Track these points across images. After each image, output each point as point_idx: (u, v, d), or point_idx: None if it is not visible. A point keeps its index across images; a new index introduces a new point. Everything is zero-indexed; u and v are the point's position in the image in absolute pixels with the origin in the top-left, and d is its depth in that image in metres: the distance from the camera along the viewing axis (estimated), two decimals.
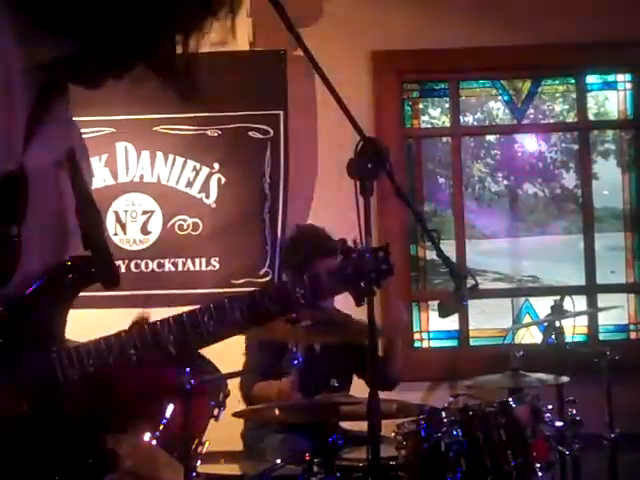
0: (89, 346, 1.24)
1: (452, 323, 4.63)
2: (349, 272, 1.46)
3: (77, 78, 1.23)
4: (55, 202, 1.25)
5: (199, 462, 2.81)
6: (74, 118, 4.46)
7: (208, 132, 4.48)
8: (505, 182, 4.98)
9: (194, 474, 2.73)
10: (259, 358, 3.59)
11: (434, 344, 4.75)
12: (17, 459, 1.14)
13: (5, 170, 1.14)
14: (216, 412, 2.89)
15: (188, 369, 2.64)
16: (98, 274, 1.26)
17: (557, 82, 4.89)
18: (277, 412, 3.18)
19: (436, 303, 4.70)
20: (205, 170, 4.49)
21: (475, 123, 4.96)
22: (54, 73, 1.19)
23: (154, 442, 2.74)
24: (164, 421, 2.73)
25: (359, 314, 3.22)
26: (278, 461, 2.91)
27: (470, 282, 2.10)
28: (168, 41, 1.19)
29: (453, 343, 4.72)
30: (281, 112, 4.49)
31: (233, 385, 3.04)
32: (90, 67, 1.20)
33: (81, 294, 1.35)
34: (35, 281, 1.19)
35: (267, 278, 4.31)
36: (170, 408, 2.73)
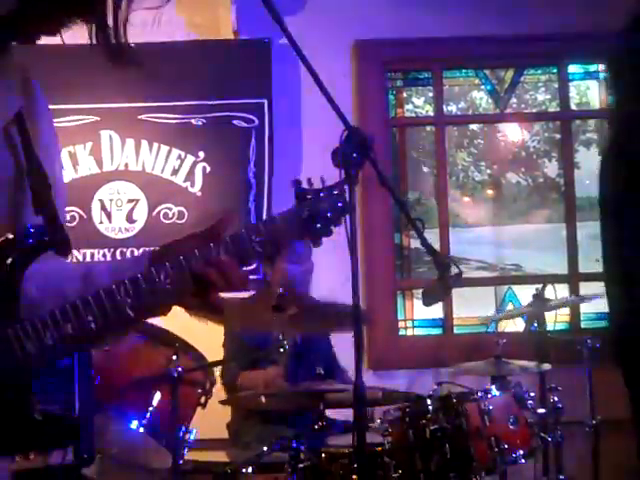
0: (45, 317, 1.19)
1: (436, 311, 4.66)
2: (305, 215, 1.38)
3: (15, 34, 1.22)
4: (8, 167, 1.24)
5: (186, 449, 2.82)
6: (59, 106, 4.41)
7: (192, 121, 4.48)
8: (488, 171, 5.02)
9: (181, 461, 2.74)
10: (238, 348, 3.60)
11: (418, 332, 4.78)
12: None
13: None
14: (203, 400, 2.91)
15: (175, 356, 2.66)
16: (51, 241, 1.23)
17: (539, 72, 4.92)
18: (263, 400, 3.20)
19: (420, 291, 4.73)
20: (190, 159, 4.49)
21: (459, 112, 4.98)
22: None
23: (141, 429, 2.76)
24: (151, 408, 2.75)
25: (344, 301, 3.24)
26: (265, 448, 2.92)
27: (454, 270, 2.12)
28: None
29: (437, 331, 4.76)
30: (265, 101, 4.49)
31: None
32: (27, 22, 1.19)
33: None
34: None
35: (252, 266, 4.32)
36: (157, 395, 2.76)
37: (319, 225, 1.39)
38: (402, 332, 4.74)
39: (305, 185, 1.42)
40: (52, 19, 1.19)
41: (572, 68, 4.84)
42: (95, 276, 1.31)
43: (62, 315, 1.20)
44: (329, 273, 4.00)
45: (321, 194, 1.41)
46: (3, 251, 1.19)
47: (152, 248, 1.38)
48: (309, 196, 1.40)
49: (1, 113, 1.24)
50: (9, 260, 1.19)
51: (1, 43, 1.22)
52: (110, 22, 1.21)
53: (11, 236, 1.21)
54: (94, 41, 1.22)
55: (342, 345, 3.88)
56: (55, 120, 4.92)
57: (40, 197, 1.25)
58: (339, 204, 1.42)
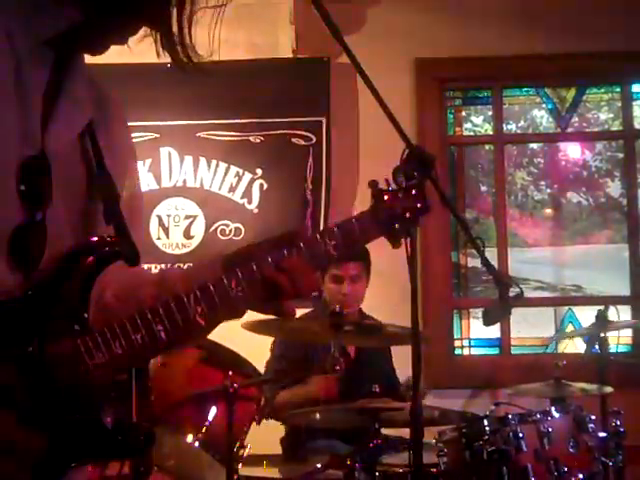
0: (114, 327, 1.17)
1: (493, 331, 4.60)
2: (382, 216, 1.33)
3: (83, 46, 1.21)
4: (81, 178, 1.24)
5: (240, 465, 2.82)
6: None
7: (251, 138, 4.52)
8: (548, 190, 4.95)
9: (236, 476, 2.74)
10: (284, 363, 3.58)
11: (475, 352, 4.72)
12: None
13: (26, 156, 1.13)
14: (257, 415, 2.91)
15: (231, 372, 2.66)
16: (121, 251, 1.22)
17: (602, 90, 4.85)
18: (318, 417, 3.18)
19: (477, 311, 4.67)
20: (248, 176, 4.52)
21: (518, 131, 4.93)
22: (62, 48, 1.19)
23: (197, 444, 2.77)
24: (207, 423, 2.76)
25: (399, 320, 3.22)
26: (319, 465, 2.91)
27: (515, 290, 2.08)
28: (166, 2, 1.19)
29: (494, 351, 4.69)
30: (324, 119, 4.51)
31: None
32: (94, 33, 1.19)
33: None
34: (61, 263, 1.17)
35: None
36: (213, 410, 2.76)
37: (397, 226, 1.36)
38: (458, 351, 4.69)
39: (382, 186, 1.38)
40: (119, 28, 1.20)
41: (636, 87, 4.76)
42: (169, 282, 1.30)
43: (132, 325, 1.18)
44: (385, 292, 3.98)
45: (399, 194, 1.37)
46: (76, 259, 1.19)
47: (222, 255, 1.35)
48: (386, 197, 1.36)
49: (74, 123, 1.23)
50: (81, 268, 1.19)
51: (67, 54, 1.22)
52: (174, 28, 1.21)
53: (85, 244, 1.21)
54: (160, 49, 1.22)
55: (399, 363, 3.85)
56: None
57: (110, 207, 1.24)
58: (418, 204, 1.38)
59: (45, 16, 1.15)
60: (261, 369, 3.09)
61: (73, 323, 1.17)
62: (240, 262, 1.25)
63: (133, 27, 1.19)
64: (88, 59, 1.27)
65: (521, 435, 2.84)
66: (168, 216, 4.53)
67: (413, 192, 1.38)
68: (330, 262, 1.31)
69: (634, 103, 4.76)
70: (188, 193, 4.54)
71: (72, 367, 1.14)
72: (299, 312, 3.77)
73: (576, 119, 4.81)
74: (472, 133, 4.91)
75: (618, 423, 3.29)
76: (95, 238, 1.22)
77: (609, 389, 3.47)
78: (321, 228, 4.39)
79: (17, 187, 1.12)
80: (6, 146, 1.12)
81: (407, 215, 1.36)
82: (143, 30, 1.22)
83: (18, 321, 1.13)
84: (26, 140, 1.14)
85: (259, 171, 4.51)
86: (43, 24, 1.15)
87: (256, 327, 3.05)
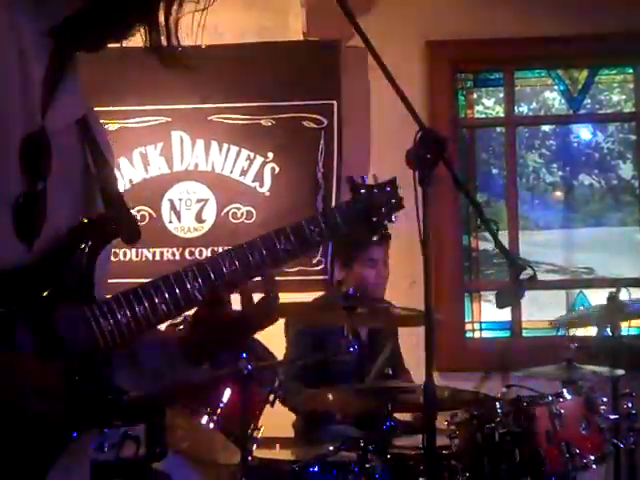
0: (119, 297, 1.27)
1: (504, 314, 4.60)
2: (360, 208, 1.48)
3: (80, 42, 1.28)
4: (79, 160, 1.31)
5: (255, 446, 2.84)
6: (131, 107, 4.53)
7: (262, 121, 4.52)
8: (560, 173, 4.94)
9: (250, 458, 2.77)
10: (302, 349, 3.60)
11: (486, 334, 4.73)
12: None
13: (28, 132, 1.20)
14: (271, 398, 2.93)
15: (245, 354, 2.68)
16: (119, 230, 1.30)
17: (614, 72, 4.82)
18: (330, 399, 3.20)
19: (488, 293, 4.68)
20: (259, 159, 4.52)
21: (530, 113, 4.91)
22: (61, 39, 1.24)
23: (211, 425, 2.79)
24: (221, 405, 2.78)
25: (410, 303, 3.23)
26: (331, 447, 2.93)
27: (528, 273, 2.09)
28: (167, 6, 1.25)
29: (505, 334, 4.70)
30: (335, 102, 4.51)
31: None
32: (92, 29, 1.25)
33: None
34: (61, 238, 1.24)
35: (320, 267, 4.33)
36: (227, 392, 2.78)
37: (375, 219, 1.49)
38: (469, 334, 4.69)
39: (359, 182, 1.51)
40: (120, 22, 1.25)
41: None
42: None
43: (134, 296, 1.27)
44: (393, 276, 3.99)
45: (375, 190, 1.51)
46: (76, 237, 1.26)
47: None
48: (362, 191, 1.50)
49: (72, 109, 1.31)
50: (83, 245, 1.26)
51: (68, 52, 1.28)
52: (162, 23, 1.26)
53: (84, 221, 1.28)
54: (147, 43, 1.27)
55: (407, 345, 3.87)
56: (127, 121, 5.02)
57: (109, 191, 1.32)
58: (392, 200, 1.52)
59: (47, 5, 1.22)
60: (274, 351, 3.09)
61: (79, 293, 1.25)
62: (235, 248, 1.37)
63: (131, 20, 1.25)
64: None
65: (533, 417, 2.85)
66: (180, 200, 4.54)
67: (387, 189, 1.52)
68: (315, 248, 1.44)
69: None
70: (200, 177, 4.55)
71: (80, 332, 1.22)
72: (311, 296, 3.79)
73: (588, 101, 4.79)
74: (483, 115, 4.90)
75: (630, 405, 3.30)
76: (95, 216, 1.30)
77: (620, 371, 3.47)
78: None
79: (20, 159, 1.20)
80: (12, 123, 1.19)
81: (382, 209, 1.50)
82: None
83: (28, 291, 1.20)
84: (28, 119, 1.21)
85: (270, 154, 4.51)
86: (45, 14, 1.21)
87: None
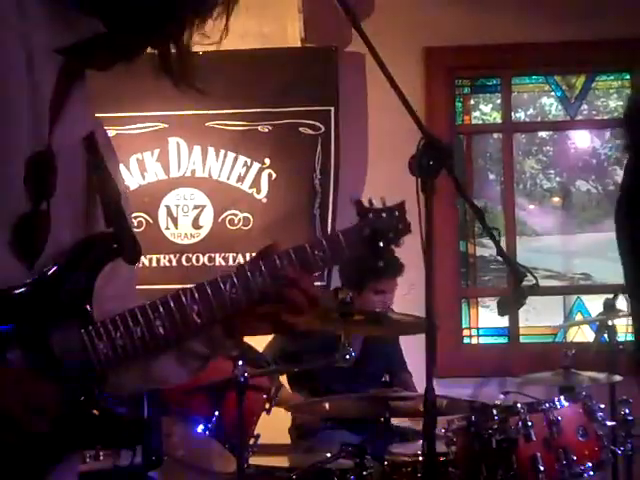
0: (116, 319, 1.24)
1: (502, 320, 4.60)
2: (366, 233, 1.43)
3: (90, 61, 1.27)
4: (82, 179, 1.30)
5: (250, 454, 2.84)
6: (128, 114, 4.51)
7: (259, 128, 4.52)
8: (557, 179, 4.94)
9: (246, 465, 2.76)
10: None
11: (483, 341, 4.73)
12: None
13: (34, 150, 1.19)
14: (267, 405, 2.92)
15: (241, 362, 2.67)
16: (121, 249, 1.28)
17: (611, 78, 4.83)
18: (327, 407, 3.19)
19: (486, 300, 4.68)
20: (256, 165, 4.52)
21: (527, 119, 4.91)
22: (72, 57, 1.23)
23: (207, 433, 2.78)
24: (217, 413, 2.78)
25: (408, 310, 3.23)
26: (328, 455, 2.92)
27: (529, 280, 2.08)
28: (177, 28, 1.25)
29: (502, 340, 4.70)
30: (332, 108, 4.50)
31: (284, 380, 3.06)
32: (103, 50, 1.24)
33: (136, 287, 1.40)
34: (61, 256, 1.23)
35: (323, 282, 4.31)
36: (223, 400, 2.77)
37: (381, 244, 1.44)
38: (466, 340, 4.69)
39: (366, 204, 1.46)
40: (134, 47, 1.25)
41: None
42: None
43: (131, 318, 1.24)
44: None
45: (383, 214, 1.46)
46: (76, 256, 1.24)
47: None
48: (370, 215, 1.45)
49: (79, 127, 1.29)
50: (83, 264, 1.24)
51: (77, 68, 1.27)
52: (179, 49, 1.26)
53: (89, 238, 1.26)
54: (161, 66, 1.27)
55: (407, 351, 3.86)
56: (124, 127, 5.00)
57: (111, 209, 1.30)
58: (400, 225, 1.47)
59: (64, 24, 1.20)
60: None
61: (77, 314, 1.23)
62: (237, 271, 1.33)
63: (147, 46, 1.25)
64: None
65: (530, 424, 2.84)
66: (177, 206, 4.53)
67: (395, 213, 1.47)
68: (318, 271, 1.38)
69: None
70: (197, 183, 4.54)
71: (76, 354, 1.20)
72: None
73: (585, 107, 4.79)
74: (481, 121, 4.90)
75: (627, 412, 3.29)
76: (99, 233, 1.28)
77: (618, 378, 3.47)
78: (329, 219, 4.39)
79: (24, 178, 1.18)
80: (19, 140, 1.18)
81: (390, 235, 1.45)
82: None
83: (24, 310, 1.19)
84: (35, 137, 1.19)
85: (267, 161, 4.51)
86: (60, 31, 1.20)
87: None
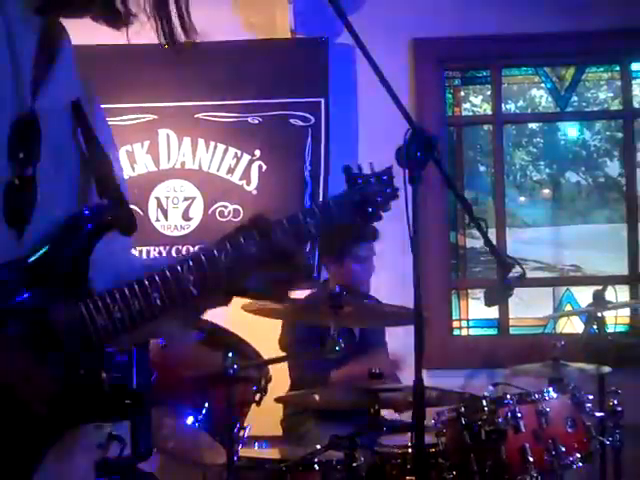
0: (113, 292, 1.23)
1: (491, 311, 4.61)
2: (356, 199, 1.45)
3: (69, 11, 1.25)
4: (71, 147, 1.29)
5: (241, 446, 2.84)
6: (117, 105, 4.47)
7: (249, 119, 4.50)
8: (547, 170, 4.94)
9: (236, 457, 2.76)
10: (302, 351, 3.60)
11: (473, 332, 4.74)
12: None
13: (16, 115, 1.18)
14: (258, 397, 2.92)
15: (231, 354, 2.67)
16: (115, 221, 1.27)
17: (601, 69, 4.83)
18: (317, 398, 3.20)
19: (476, 291, 4.69)
20: (246, 157, 4.51)
21: (517, 111, 4.92)
22: (50, 17, 1.23)
23: (197, 425, 2.78)
24: (207, 405, 2.77)
25: (396, 301, 3.23)
26: (318, 446, 2.92)
27: (517, 271, 2.09)
28: None
29: (492, 331, 4.71)
30: (322, 99, 4.49)
31: (274, 371, 3.06)
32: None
33: None
34: (55, 228, 1.22)
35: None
36: (213, 392, 2.77)
37: (370, 209, 1.46)
38: (456, 332, 4.70)
39: (355, 171, 1.48)
40: None
41: (635, 66, 4.75)
42: (160, 263, 1.35)
43: (129, 290, 1.25)
44: (383, 274, 3.99)
45: (371, 179, 1.48)
46: (71, 228, 1.24)
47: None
48: (360, 180, 1.47)
49: (64, 91, 1.28)
50: (77, 236, 1.24)
51: (57, 28, 1.26)
52: (174, 16, 1.26)
53: (83, 210, 1.26)
54: (161, 36, 1.26)
55: (396, 343, 3.87)
56: (113, 119, 4.97)
57: (104, 179, 1.30)
58: (388, 190, 1.50)
59: None
60: (261, 351, 3.09)
61: (74, 287, 1.23)
62: (230, 240, 1.33)
63: None
64: (85, 40, 1.30)
65: (519, 415, 2.86)
66: (167, 198, 4.52)
67: (384, 178, 1.49)
68: (310, 240, 1.40)
69: (633, 82, 4.74)
70: (187, 175, 4.53)
71: (75, 328, 1.20)
72: (301, 294, 3.78)
73: (575, 98, 4.80)
74: (471, 113, 4.90)
75: (615, 402, 3.31)
76: (93, 205, 1.28)
77: (606, 369, 3.49)
78: None
79: (7, 144, 1.18)
80: (0, 107, 1.17)
81: (378, 199, 1.47)
82: (144, 14, 1.26)
83: (22, 285, 1.19)
84: (17, 102, 1.19)
85: (258, 152, 4.50)
86: None
87: (257, 309, 3.06)
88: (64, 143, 1.27)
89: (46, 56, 1.24)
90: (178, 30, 1.27)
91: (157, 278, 1.26)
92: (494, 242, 4.61)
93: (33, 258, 1.20)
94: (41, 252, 1.20)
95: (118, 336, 1.23)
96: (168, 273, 1.27)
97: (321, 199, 4.41)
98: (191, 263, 1.28)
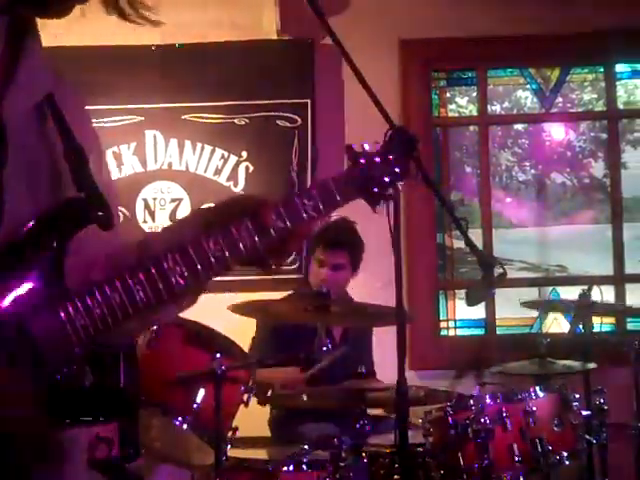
0: (93, 288, 1.17)
1: (478, 312, 4.63)
2: (358, 178, 1.33)
3: (43, 11, 1.20)
4: (43, 146, 1.24)
5: (229, 446, 2.84)
6: (104, 107, 4.43)
7: (236, 120, 4.51)
8: (533, 171, 4.97)
9: (224, 458, 2.76)
10: (266, 346, 3.59)
11: (460, 332, 4.76)
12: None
13: None
14: (245, 397, 2.93)
15: (219, 354, 2.67)
16: (92, 215, 1.21)
17: (586, 71, 4.86)
18: (305, 398, 3.20)
19: (463, 292, 4.70)
20: (233, 158, 4.51)
21: (503, 112, 4.94)
22: (16, 14, 1.19)
23: (185, 426, 2.78)
24: (195, 405, 2.77)
25: (385, 302, 3.24)
26: (306, 446, 2.93)
27: (498, 271, 2.10)
28: None
29: (480, 331, 4.73)
30: (309, 101, 4.50)
31: None
32: None
33: None
34: (27, 226, 1.17)
35: (295, 265, 4.33)
36: (201, 393, 2.77)
37: (376, 189, 1.35)
38: (444, 332, 4.72)
39: (358, 149, 1.37)
40: None
41: (619, 67, 4.78)
42: (149, 246, 1.30)
43: (109, 285, 1.18)
44: (369, 275, 4.00)
45: (376, 158, 1.36)
46: (44, 225, 1.18)
47: (206, 206, 1.37)
48: (363, 160, 1.35)
49: (33, 91, 1.23)
50: (52, 233, 1.19)
51: (25, 24, 1.22)
52: None
53: (53, 209, 1.20)
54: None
55: (383, 344, 3.87)
56: (100, 120, 4.95)
57: (80, 175, 1.24)
58: (396, 168, 1.36)
59: None
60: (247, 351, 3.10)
61: (50, 287, 1.17)
62: (220, 224, 1.26)
63: None
64: (71, 41, 1.28)
65: (506, 414, 2.87)
66: (154, 199, 4.52)
67: (390, 157, 1.36)
68: (309, 224, 1.31)
69: (617, 83, 4.77)
70: (174, 176, 4.53)
71: (53, 331, 1.14)
72: (280, 295, 3.79)
73: (560, 99, 4.82)
74: (457, 114, 4.92)
75: (602, 401, 3.33)
76: (66, 201, 1.22)
77: (592, 365, 3.51)
78: None
79: None
80: None
81: (385, 179, 1.35)
82: None
83: None
84: None
85: (244, 153, 4.50)
86: None
87: (243, 309, 3.06)
88: (32, 144, 1.22)
89: (10, 58, 1.19)
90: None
91: (139, 270, 1.19)
92: (480, 243, 4.63)
93: (5, 257, 1.14)
94: (11, 251, 1.15)
95: (101, 333, 1.17)
96: (151, 265, 1.20)
97: None
98: (177, 255, 1.21)
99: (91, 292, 1.17)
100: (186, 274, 1.21)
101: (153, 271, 1.20)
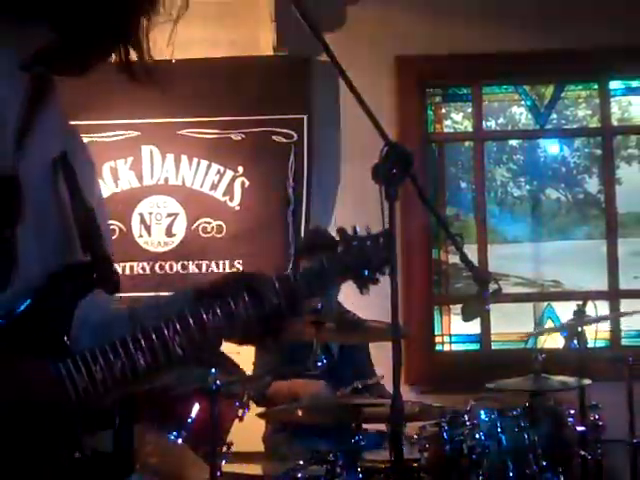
0: (95, 351, 1.19)
1: (474, 327, 4.63)
2: (350, 261, 1.40)
3: (62, 70, 1.24)
4: (54, 204, 1.25)
5: (224, 462, 2.83)
6: (101, 122, 4.45)
7: (232, 136, 4.52)
8: (527, 187, 4.99)
9: (219, 473, 2.76)
10: (269, 359, 3.59)
11: (455, 347, 4.76)
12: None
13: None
14: (240, 413, 2.93)
15: (214, 370, 2.67)
16: (98, 280, 1.24)
17: (580, 87, 4.89)
18: (300, 413, 3.20)
19: (458, 307, 4.71)
20: (229, 173, 4.53)
21: (498, 128, 4.97)
22: (37, 71, 1.21)
23: (180, 441, 2.78)
24: (190, 421, 2.77)
25: (379, 317, 3.24)
26: (301, 462, 2.93)
27: (493, 286, 2.10)
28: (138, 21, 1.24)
29: (474, 347, 4.73)
30: (305, 117, 4.52)
31: None
32: (73, 55, 1.22)
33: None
34: (36, 288, 1.18)
35: None
36: (196, 408, 2.77)
37: (366, 272, 1.42)
38: (439, 347, 4.72)
39: (350, 232, 1.44)
40: (98, 48, 1.24)
41: (614, 84, 4.81)
42: (141, 316, 1.33)
43: (112, 350, 1.21)
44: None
45: (367, 242, 1.43)
46: (53, 286, 1.20)
47: (193, 286, 1.40)
48: (355, 243, 1.42)
49: (48, 150, 1.25)
50: (60, 296, 1.20)
51: (45, 82, 1.24)
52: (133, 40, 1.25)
53: (66, 268, 1.22)
54: (123, 60, 1.27)
55: (379, 359, 3.87)
56: (97, 135, 4.96)
57: (87, 235, 1.26)
58: (381, 255, 1.44)
59: (19, 37, 1.17)
60: (243, 367, 3.09)
61: (54, 348, 1.18)
62: (217, 297, 1.30)
63: (107, 42, 1.23)
64: None
65: (501, 429, 2.88)
66: (150, 214, 4.53)
67: (381, 240, 1.44)
68: (303, 302, 1.37)
69: (612, 100, 4.80)
70: (170, 191, 4.54)
71: (53, 390, 1.15)
72: None
73: (554, 116, 4.85)
74: (452, 130, 4.94)
75: (597, 417, 3.33)
76: (74, 265, 1.23)
77: (587, 381, 3.51)
78: (302, 227, 4.40)
79: None
80: None
81: (375, 263, 1.42)
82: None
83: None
84: (0, 162, 1.15)
85: (240, 169, 4.52)
86: (18, 46, 1.18)
87: None
88: (45, 199, 1.23)
89: (30, 113, 1.21)
90: (131, 55, 1.27)
91: (141, 339, 1.22)
92: (476, 258, 4.64)
93: (9, 318, 1.15)
94: (21, 311, 1.16)
95: (101, 396, 1.19)
96: (153, 333, 1.23)
97: (304, 216, 4.43)
98: (177, 324, 1.25)
99: (93, 353, 1.19)
100: (185, 344, 1.25)
101: (155, 340, 1.23)
